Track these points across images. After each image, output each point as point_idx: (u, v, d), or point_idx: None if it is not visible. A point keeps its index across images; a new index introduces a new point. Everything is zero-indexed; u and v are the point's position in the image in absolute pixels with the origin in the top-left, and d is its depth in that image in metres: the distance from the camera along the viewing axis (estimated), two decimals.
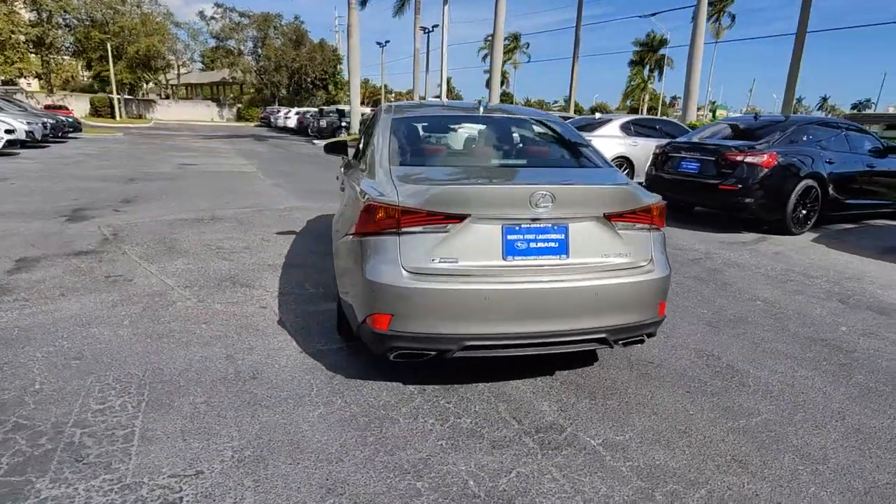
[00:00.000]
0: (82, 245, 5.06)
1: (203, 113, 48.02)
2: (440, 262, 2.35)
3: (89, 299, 3.66)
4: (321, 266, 4.68)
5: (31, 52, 34.15)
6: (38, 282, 3.95)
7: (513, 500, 1.93)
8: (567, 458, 2.18)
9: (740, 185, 6.28)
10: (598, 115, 14.10)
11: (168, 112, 45.55)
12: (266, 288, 4.08)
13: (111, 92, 36.38)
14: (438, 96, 37.79)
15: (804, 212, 6.62)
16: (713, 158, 6.61)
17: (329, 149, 4.89)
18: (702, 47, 15.32)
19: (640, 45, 64.42)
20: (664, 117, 13.36)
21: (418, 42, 32.91)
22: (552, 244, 2.42)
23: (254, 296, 3.90)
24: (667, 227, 2.92)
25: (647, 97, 64.66)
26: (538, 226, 2.40)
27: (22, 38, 31.63)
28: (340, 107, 26.65)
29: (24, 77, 36.12)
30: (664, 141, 8.09)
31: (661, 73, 65.07)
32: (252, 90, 50.83)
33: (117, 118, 35.92)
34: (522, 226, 2.38)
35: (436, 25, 30.42)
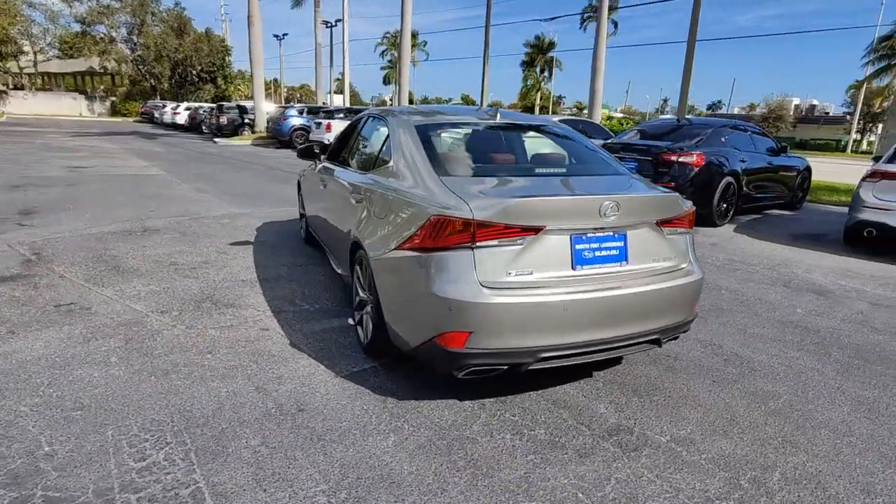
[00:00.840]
0: (0, 269, 4.28)
1: (68, 106, 42.44)
2: (516, 275, 2.32)
3: (50, 335, 3.11)
4: (302, 279, 4.39)
5: None
6: None
7: (631, 501, 1.97)
8: (650, 459, 2.27)
9: (675, 183, 6.87)
10: None
11: (24, 105, 39.74)
12: (255, 307, 3.74)
13: None
14: (340, 91, 36.89)
15: (725, 205, 7.41)
16: (650, 158, 7.17)
17: (304, 154, 4.62)
18: (604, 51, 16.48)
19: (531, 47, 67.64)
20: (583, 118, 14.28)
21: (320, 36, 31.76)
22: (613, 251, 2.49)
23: (246, 317, 3.55)
24: None
25: (539, 97, 68.05)
26: (602, 234, 2.45)
27: None
28: (242, 103, 24.95)
29: None
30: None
31: (550, 74, 69.02)
32: (128, 82, 45.91)
33: None
34: (588, 235, 2.42)
35: (339, 20, 29.53)
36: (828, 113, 63.72)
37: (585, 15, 46.14)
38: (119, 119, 40.73)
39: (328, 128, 16.96)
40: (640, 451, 2.31)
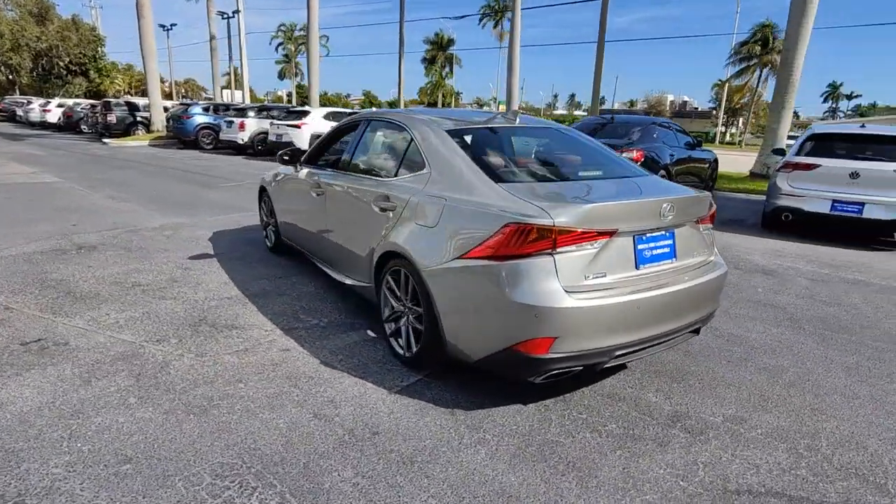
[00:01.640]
0: None
1: None
2: (592, 278, 2.37)
3: (37, 380, 2.65)
4: (291, 292, 4.13)
5: None
6: None
7: (729, 485, 2.11)
8: (719, 440, 2.44)
9: None
10: None
11: None
12: (259, 326, 3.46)
13: None
14: (228, 86, 34.71)
15: None
16: None
17: (287, 159, 4.34)
18: (519, 50, 17.08)
19: (431, 44, 68.20)
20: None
21: (214, 27, 29.63)
22: (666, 249, 2.63)
23: (256, 338, 3.28)
24: None
25: (442, 93, 68.87)
26: (657, 234, 2.58)
27: None
28: (131, 99, 22.55)
29: None
30: None
31: (451, 71, 70.14)
32: None
33: None
34: (647, 235, 2.54)
35: (236, 11, 27.65)
36: (697, 108, 71.36)
37: (484, 14, 47.54)
38: None
39: (242, 127, 15.92)
40: (706, 434, 2.48)
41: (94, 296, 3.88)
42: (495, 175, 2.68)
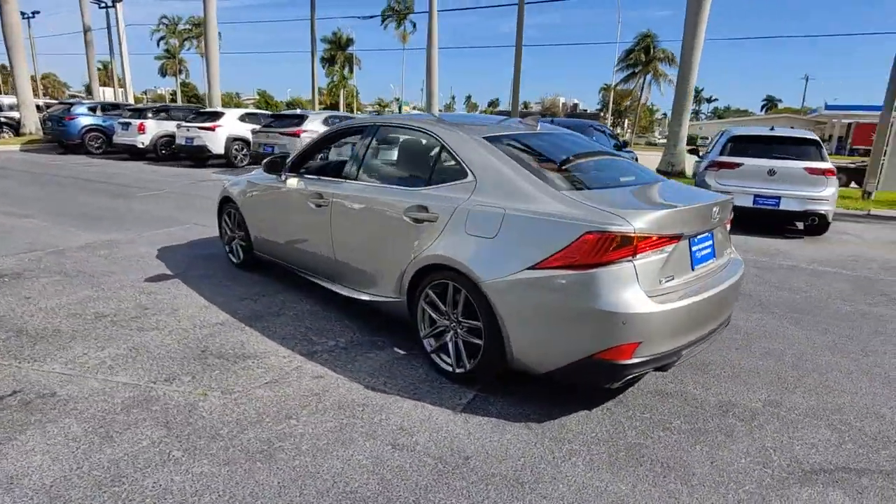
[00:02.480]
0: None
1: None
2: (665, 282, 2.44)
3: (41, 442, 2.19)
4: (287, 312, 3.82)
5: None
6: None
7: (804, 466, 2.27)
8: (771, 425, 2.63)
9: None
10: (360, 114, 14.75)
11: None
12: (274, 353, 3.15)
13: None
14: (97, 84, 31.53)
15: None
16: None
17: (269, 167, 4.01)
18: (437, 52, 17.19)
19: (329, 43, 66.49)
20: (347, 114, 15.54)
21: (88, 17, 26.49)
22: (708, 250, 2.78)
23: (278, 366, 2.98)
24: None
25: (343, 93, 67.42)
26: (703, 235, 2.72)
27: None
28: None
29: None
30: None
31: (351, 71, 68.90)
32: None
33: None
34: (697, 237, 2.66)
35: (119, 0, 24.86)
36: (587, 110, 76.66)
37: (386, 15, 47.23)
38: None
39: (141, 129, 14.39)
40: (757, 420, 2.66)
41: (55, 333, 3.29)
42: (551, 183, 2.66)
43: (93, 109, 16.33)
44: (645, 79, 48.02)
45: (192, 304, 3.91)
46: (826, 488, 2.16)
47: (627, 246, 2.30)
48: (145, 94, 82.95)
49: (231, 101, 79.47)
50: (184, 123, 13.69)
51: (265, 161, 4.10)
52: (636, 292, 2.31)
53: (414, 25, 51.39)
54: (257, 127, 12.74)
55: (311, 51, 22.30)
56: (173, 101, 71.43)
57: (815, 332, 3.90)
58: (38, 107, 18.46)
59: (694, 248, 2.64)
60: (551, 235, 2.41)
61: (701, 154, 9.86)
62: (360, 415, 2.53)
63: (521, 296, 2.48)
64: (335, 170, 3.79)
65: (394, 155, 3.56)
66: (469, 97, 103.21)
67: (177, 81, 73.26)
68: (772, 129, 7.83)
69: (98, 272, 4.57)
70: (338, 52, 66.52)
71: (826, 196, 7.01)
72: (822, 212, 7.06)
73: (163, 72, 73.20)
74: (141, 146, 14.43)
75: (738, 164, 7.35)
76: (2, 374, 2.75)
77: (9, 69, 18.77)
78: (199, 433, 2.32)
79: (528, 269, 2.45)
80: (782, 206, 7.11)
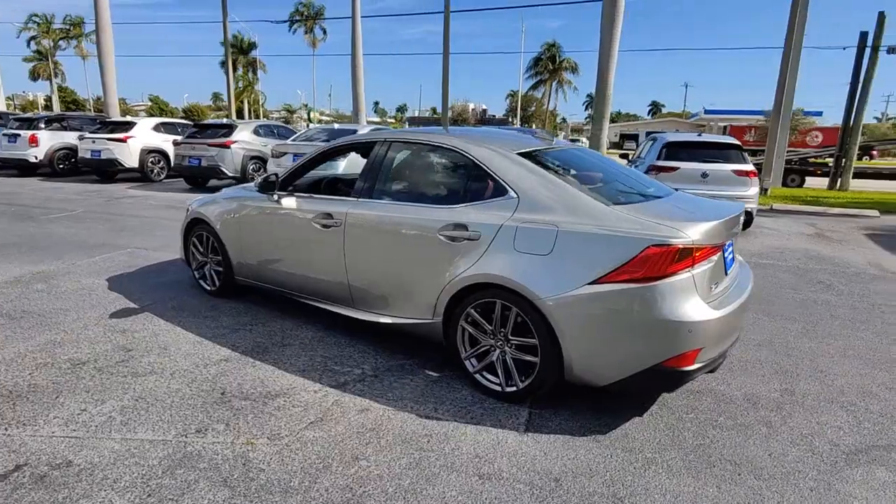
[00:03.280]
0: None
1: None
2: (714, 288, 2.58)
3: None
4: (293, 342, 3.58)
5: None
6: None
7: (843, 448, 2.50)
8: (797, 413, 2.86)
9: None
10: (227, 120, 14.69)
11: None
12: (302, 389, 2.92)
13: None
14: None
15: None
16: None
17: (265, 187, 3.74)
18: (362, 58, 16.91)
19: (231, 47, 63.13)
20: (281, 123, 15.49)
21: None
22: (731, 255, 2.98)
23: (314, 402, 2.77)
24: None
25: (250, 99, 64.27)
26: (728, 242, 2.91)
27: None
28: None
29: None
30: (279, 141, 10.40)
31: (255, 75, 65.85)
32: None
33: None
34: (725, 244, 2.84)
35: None
36: (495, 116, 79.27)
37: (294, 20, 45.67)
38: None
39: (33, 141, 12.73)
40: (784, 410, 2.89)
41: (32, 389, 2.82)
42: (597, 197, 2.71)
43: None
44: (552, 86, 50.65)
45: (179, 340, 3.53)
46: (870, 467, 2.39)
47: (687, 257, 2.41)
48: (11, 99, 73.49)
49: (119, 107, 72.67)
50: (88, 135, 12.30)
51: (260, 181, 3.79)
52: (697, 301, 2.43)
53: (324, 31, 50.21)
54: (178, 138, 11.75)
55: (225, 54, 21.02)
56: (48, 107, 64.12)
57: (785, 320, 4.31)
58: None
59: (726, 255, 2.82)
60: (612, 250, 2.46)
61: (631, 158, 10.54)
62: (429, 446, 2.42)
63: (582, 311, 2.51)
64: (344, 188, 3.60)
65: (413, 172, 3.44)
66: (377, 103, 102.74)
67: (52, 86, 65.77)
68: (699, 135, 8.57)
69: (47, 311, 3.98)
70: (239, 56, 63.32)
71: (751, 195, 7.79)
72: (749, 209, 7.83)
73: (34, 75, 65.60)
74: (34, 160, 12.77)
75: (675, 168, 7.96)
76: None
77: None
78: (268, 489, 2.09)
79: (589, 283, 2.48)
80: None
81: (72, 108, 62.67)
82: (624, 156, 11.24)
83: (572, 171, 3.04)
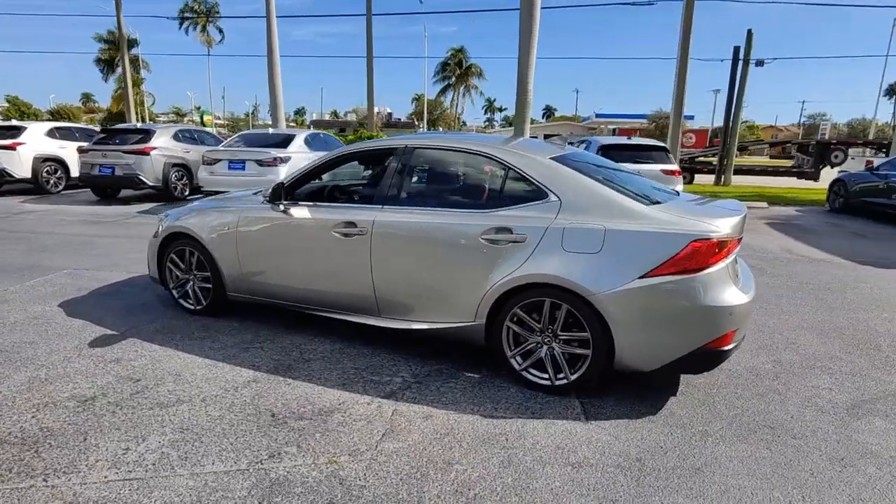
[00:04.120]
0: None
1: None
2: (736, 275, 2.90)
3: None
4: (314, 356, 3.46)
5: None
6: None
7: (842, 405, 2.93)
8: (795, 379, 3.29)
9: None
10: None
11: None
12: (351, 402, 2.85)
13: None
14: None
15: None
16: None
17: (273, 196, 3.58)
18: (278, 59, 16.20)
19: (106, 43, 57.53)
20: (205, 128, 14.80)
21: None
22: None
23: (372, 414, 2.72)
24: None
25: (137, 100, 58.70)
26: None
27: None
28: None
29: None
30: (205, 148, 10.26)
31: (138, 73, 60.40)
32: None
33: None
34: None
35: None
36: (401, 119, 79.40)
37: (185, 17, 42.43)
38: None
39: None
40: (782, 378, 3.31)
41: (48, 433, 2.47)
42: (635, 198, 2.93)
43: None
44: (459, 90, 51.86)
45: (188, 364, 3.26)
46: (868, 418, 2.84)
47: (724, 249, 2.70)
48: None
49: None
50: None
51: (272, 190, 3.58)
52: (734, 287, 2.73)
53: (221, 31, 47.24)
54: (82, 144, 10.51)
55: (122, 52, 19.10)
56: None
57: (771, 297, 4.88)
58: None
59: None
60: (659, 246, 2.69)
61: None
62: (513, 444, 2.49)
63: (633, 304, 2.71)
64: (353, 196, 3.52)
65: (444, 178, 3.45)
66: (303, 108, 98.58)
67: None
68: (629, 138, 9.33)
69: (8, 346, 3.47)
70: (118, 54, 57.71)
71: (678, 191, 8.63)
72: None
73: None
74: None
75: None
76: (37, 500, 2.01)
77: None
78: (382, 500, 2.05)
79: (640, 278, 2.69)
80: None
81: None
82: None
83: (600, 174, 3.24)
